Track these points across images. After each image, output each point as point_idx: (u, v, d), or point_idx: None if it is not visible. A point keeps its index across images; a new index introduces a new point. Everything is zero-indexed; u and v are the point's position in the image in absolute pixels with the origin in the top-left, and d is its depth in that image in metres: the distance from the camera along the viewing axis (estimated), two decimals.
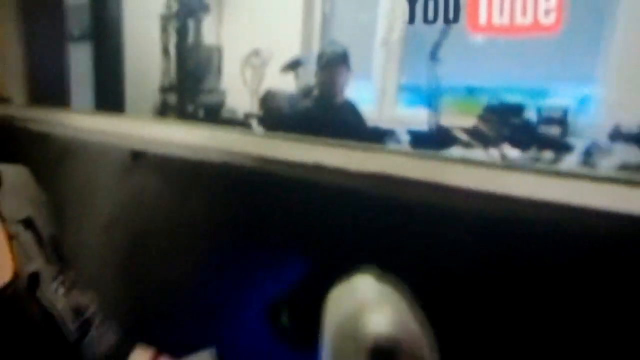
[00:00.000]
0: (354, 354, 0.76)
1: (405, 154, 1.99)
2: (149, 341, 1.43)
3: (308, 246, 1.54)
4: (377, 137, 3.43)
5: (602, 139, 3.01)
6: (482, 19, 1.58)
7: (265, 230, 1.63)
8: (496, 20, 1.56)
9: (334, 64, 3.66)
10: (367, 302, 0.81)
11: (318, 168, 1.49)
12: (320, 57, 3.76)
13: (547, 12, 1.54)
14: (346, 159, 1.48)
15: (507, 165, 1.67)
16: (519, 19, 1.56)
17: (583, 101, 3.35)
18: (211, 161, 1.78)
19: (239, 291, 1.75)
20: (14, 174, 1.35)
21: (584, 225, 1.12)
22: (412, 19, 1.57)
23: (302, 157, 1.56)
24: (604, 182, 1.21)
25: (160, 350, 1.39)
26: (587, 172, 2.14)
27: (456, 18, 1.55)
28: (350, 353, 0.76)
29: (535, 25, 1.56)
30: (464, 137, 3.27)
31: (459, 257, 1.07)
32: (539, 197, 1.15)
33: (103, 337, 1.38)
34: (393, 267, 0.87)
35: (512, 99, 3.42)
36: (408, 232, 1.25)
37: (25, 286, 1.20)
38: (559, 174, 1.33)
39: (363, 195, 1.40)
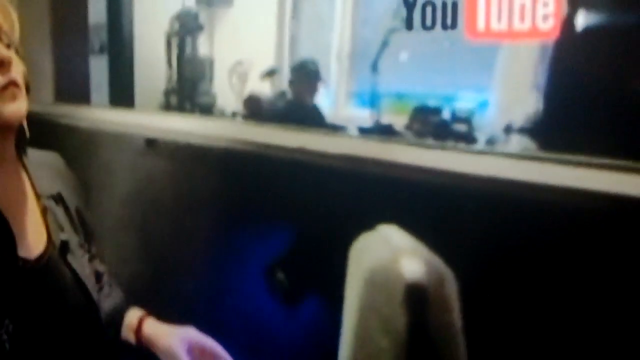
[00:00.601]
0: (389, 297, 0.75)
1: (371, 138, 2.20)
2: (151, 307, 1.53)
3: (297, 217, 1.65)
4: (333, 131, 3.74)
5: (499, 133, 3.47)
6: (481, 25, 1.52)
7: (260, 204, 1.76)
8: (494, 26, 1.51)
9: (310, 77, 4.30)
10: (403, 248, 0.80)
11: (302, 151, 1.62)
12: (300, 69, 4.42)
13: (545, 18, 1.48)
14: (325, 144, 1.62)
15: (444, 146, 1.66)
16: (517, 25, 1.50)
17: (482, 104, 3.89)
18: (213, 146, 1.92)
19: (236, 259, 1.86)
20: (45, 156, 1.45)
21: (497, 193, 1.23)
22: (410, 26, 1.55)
23: (289, 142, 1.68)
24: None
25: (155, 314, 1.50)
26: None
27: (454, 24, 1.52)
28: (385, 296, 0.76)
29: (534, 30, 1.51)
30: (403, 131, 3.77)
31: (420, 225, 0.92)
32: (470, 171, 1.27)
33: (108, 299, 1.50)
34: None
35: (432, 102, 3.96)
36: (379, 202, 1.34)
37: (58, 253, 1.30)
38: (483, 153, 1.54)
39: (339, 172, 1.53)
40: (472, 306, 0.84)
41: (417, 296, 0.75)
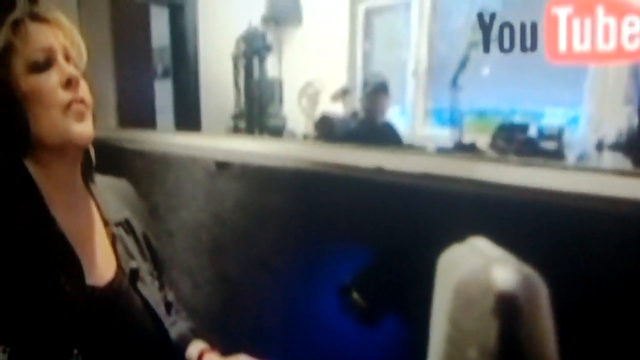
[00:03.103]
0: (479, 307, 0.76)
1: (449, 156, 2.22)
2: (222, 330, 1.61)
3: (373, 237, 1.67)
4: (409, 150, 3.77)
5: (590, 149, 3.59)
6: (562, 46, 1.47)
7: (335, 225, 1.78)
8: (577, 47, 1.46)
9: (377, 91, 4.29)
10: (494, 258, 0.82)
11: (379, 170, 1.65)
12: (365, 86, 4.40)
13: (631, 38, 1.43)
14: (402, 163, 1.64)
15: (526, 162, 1.59)
16: (601, 46, 1.45)
17: (572, 121, 3.92)
18: (287, 168, 1.94)
19: (310, 280, 1.89)
20: (113, 182, 1.51)
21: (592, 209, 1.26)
22: (486, 48, 1.53)
23: (365, 162, 1.71)
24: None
25: (226, 338, 1.51)
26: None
27: (534, 46, 1.49)
28: (476, 306, 0.77)
29: (619, 51, 1.45)
30: (486, 150, 3.88)
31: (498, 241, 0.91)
32: (557, 188, 1.30)
33: (173, 328, 1.50)
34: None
35: (516, 119, 4.04)
36: (457, 220, 1.28)
37: (128, 280, 1.33)
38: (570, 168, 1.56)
39: (418, 191, 1.54)
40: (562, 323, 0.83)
41: (508, 306, 0.76)
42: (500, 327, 0.75)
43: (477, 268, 0.81)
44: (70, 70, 1.23)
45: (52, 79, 1.22)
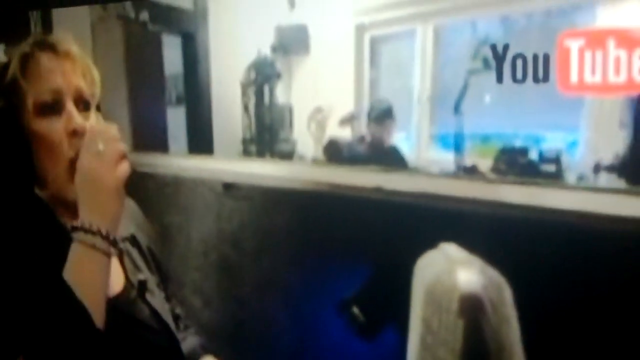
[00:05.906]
0: (446, 308, 0.83)
1: (448, 176, 2.33)
2: (231, 345, 1.69)
3: (372, 253, 1.79)
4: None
5: (588, 172, 3.76)
6: (574, 78, 1.44)
7: (336, 242, 1.90)
8: (588, 79, 1.43)
9: (382, 116, 4.49)
10: (458, 261, 0.89)
11: (378, 190, 1.77)
12: (371, 111, 4.59)
13: None
14: (401, 183, 1.71)
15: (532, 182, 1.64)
16: (612, 78, 1.42)
17: (571, 145, 4.01)
18: (291, 189, 2.06)
19: (316, 296, 2.03)
20: None
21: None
22: (499, 79, 1.54)
23: (365, 182, 1.78)
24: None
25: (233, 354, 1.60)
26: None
27: (546, 77, 1.48)
28: (443, 307, 0.83)
29: (630, 84, 1.42)
30: (488, 173, 3.85)
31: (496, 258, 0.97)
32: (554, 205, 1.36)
33: (183, 343, 1.55)
34: None
35: (518, 144, 4.08)
36: (456, 237, 1.34)
37: (137, 292, 1.41)
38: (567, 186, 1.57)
39: (416, 210, 1.62)
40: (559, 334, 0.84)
41: (471, 306, 0.85)
42: (465, 326, 0.83)
43: (442, 271, 0.89)
44: (78, 120, 1.29)
45: (58, 127, 1.29)
